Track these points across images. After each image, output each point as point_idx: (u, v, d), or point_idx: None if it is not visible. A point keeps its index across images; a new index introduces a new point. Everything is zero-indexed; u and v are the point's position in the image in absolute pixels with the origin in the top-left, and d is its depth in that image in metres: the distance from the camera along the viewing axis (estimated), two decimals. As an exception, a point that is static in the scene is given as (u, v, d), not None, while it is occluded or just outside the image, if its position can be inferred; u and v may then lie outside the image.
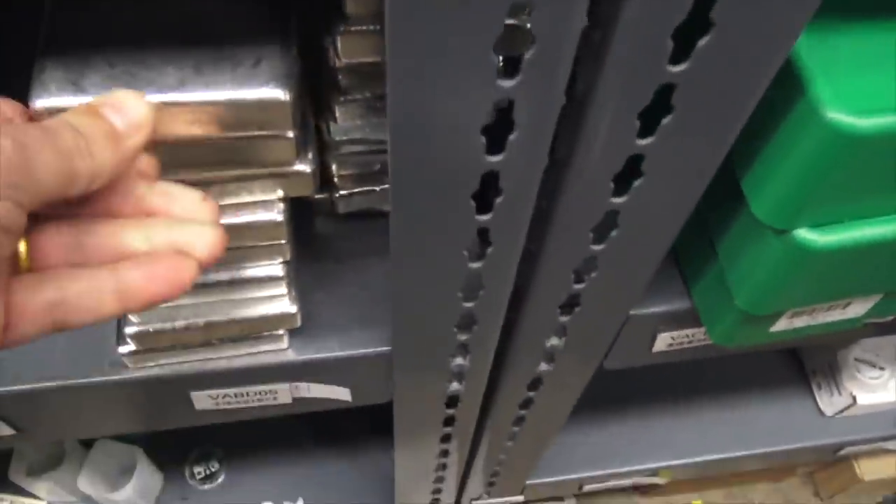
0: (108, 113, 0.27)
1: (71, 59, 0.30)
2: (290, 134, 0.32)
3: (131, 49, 0.30)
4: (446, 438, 0.61)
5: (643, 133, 0.29)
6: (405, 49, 0.23)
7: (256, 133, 0.31)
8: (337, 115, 0.37)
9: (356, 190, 0.44)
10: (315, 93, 0.38)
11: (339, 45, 0.33)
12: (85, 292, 0.27)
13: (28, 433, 0.47)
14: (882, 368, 0.86)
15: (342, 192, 0.44)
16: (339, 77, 0.35)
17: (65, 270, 0.28)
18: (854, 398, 0.86)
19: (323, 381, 0.46)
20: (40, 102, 0.29)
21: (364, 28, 0.32)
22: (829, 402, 0.91)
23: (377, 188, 0.44)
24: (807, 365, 0.94)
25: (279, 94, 0.30)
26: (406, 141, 0.27)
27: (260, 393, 0.46)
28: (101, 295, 0.28)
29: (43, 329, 0.27)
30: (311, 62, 0.36)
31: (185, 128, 0.31)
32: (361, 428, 0.86)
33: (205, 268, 0.30)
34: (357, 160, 0.42)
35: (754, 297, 0.38)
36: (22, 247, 0.27)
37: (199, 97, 0.30)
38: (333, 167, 0.42)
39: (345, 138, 0.39)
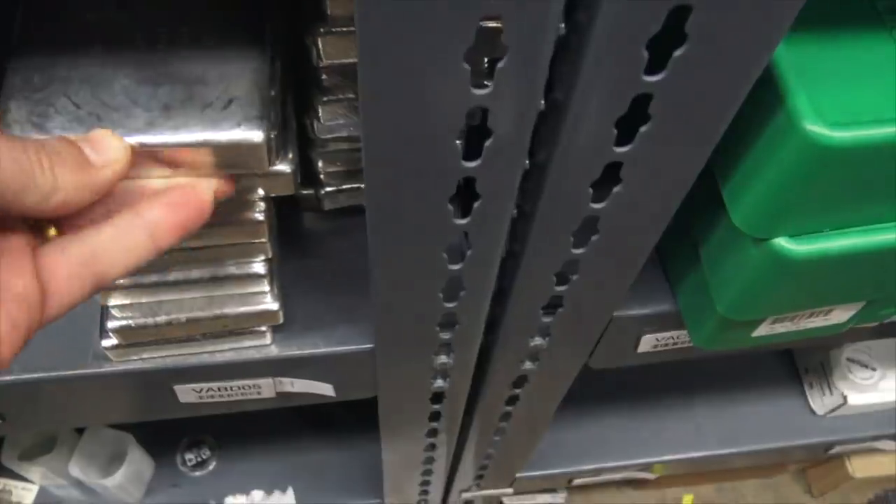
0: (83, 145, 0.27)
1: (35, 99, 0.29)
2: (266, 169, 0.32)
3: (97, 88, 0.30)
4: (433, 433, 0.61)
5: (621, 141, 0.29)
6: (376, 58, 0.23)
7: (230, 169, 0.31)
8: (320, 114, 0.37)
9: (342, 187, 0.44)
10: (297, 88, 0.38)
11: (321, 46, 0.33)
12: (113, 239, 0.28)
13: (13, 423, 0.48)
14: (874, 369, 0.86)
15: (328, 189, 0.44)
16: (322, 76, 0.35)
17: (89, 225, 0.28)
18: (845, 398, 0.86)
19: (306, 377, 0.46)
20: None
21: (346, 29, 0.32)
22: (820, 402, 0.91)
23: (363, 185, 0.44)
24: (799, 364, 0.94)
25: (253, 135, 0.30)
26: (381, 146, 0.27)
27: (243, 387, 0.46)
28: (131, 237, 0.28)
29: (82, 288, 0.27)
30: (293, 58, 0.36)
31: (155, 168, 0.30)
32: (352, 418, 0.87)
33: (218, 197, 0.31)
34: (343, 157, 0.41)
35: (734, 303, 0.38)
36: (52, 231, 0.28)
37: (168, 140, 0.29)
38: (319, 164, 0.42)
39: (329, 136, 0.38)
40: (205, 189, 0.30)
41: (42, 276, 0.26)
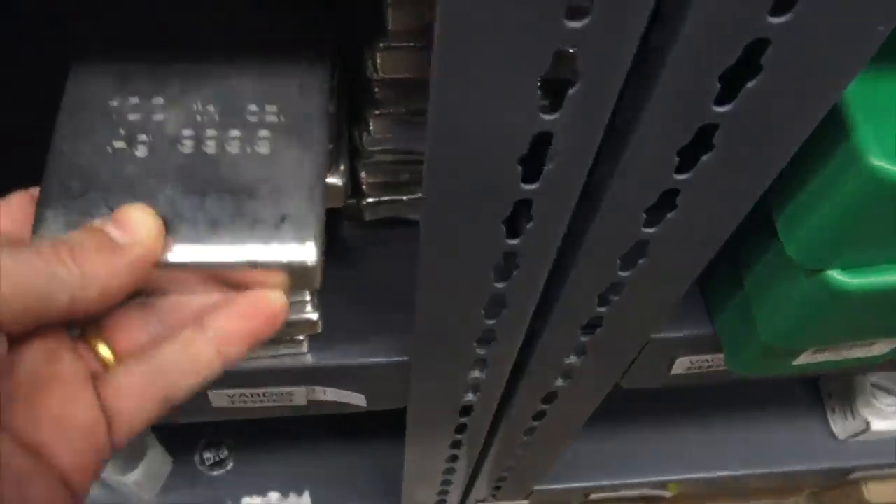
0: (107, 227, 0.26)
1: (73, 208, 0.28)
2: (316, 287, 0.30)
3: (140, 198, 0.28)
4: (457, 444, 0.61)
5: (680, 168, 0.29)
6: (450, 78, 0.23)
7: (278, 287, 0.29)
8: (371, 127, 0.37)
9: (383, 198, 0.44)
10: (350, 98, 0.38)
11: (378, 60, 0.33)
12: (178, 355, 0.26)
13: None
14: (898, 396, 0.86)
15: (369, 200, 0.44)
16: (376, 90, 0.35)
17: (150, 343, 0.27)
18: (868, 424, 0.85)
19: (340, 387, 0.46)
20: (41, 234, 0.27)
21: (404, 45, 0.32)
22: (842, 426, 0.90)
23: (405, 197, 0.44)
24: (822, 387, 0.93)
25: (306, 258, 0.28)
26: (443, 164, 0.27)
27: (277, 394, 0.46)
28: (197, 352, 0.26)
29: (150, 410, 0.26)
30: (347, 69, 0.36)
31: (200, 284, 0.28)
32: (371, 423, 0.86)
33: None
34: (387, 169, 0.41)
35: (780, 332, 0.37)
36: (105, 351, 0.27)
37: (216, 260, 0.27)
38: (363, 174, 0.42)
39: (377, 149, 0.38)
40: (275, 298, 0.28)
41: (106, 403, 0.25)
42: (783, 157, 0.28)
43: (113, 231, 0.25)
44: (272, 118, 0.30)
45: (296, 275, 0.28)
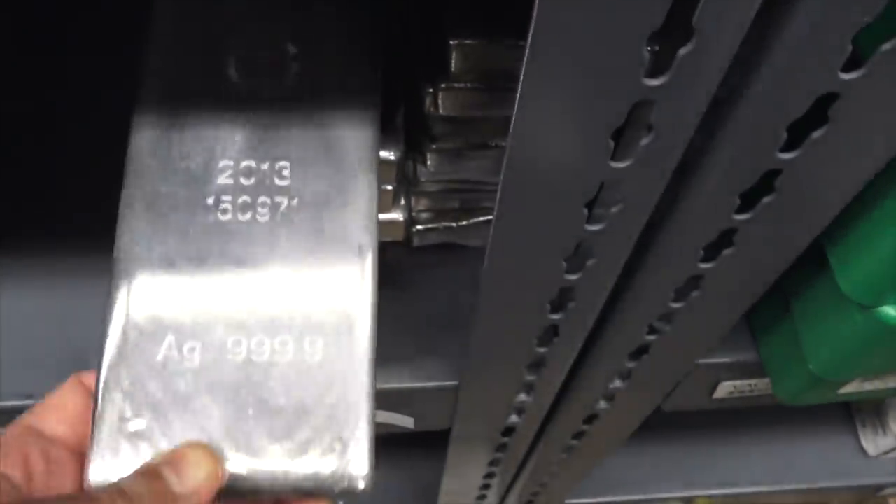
0: (167, 473, 0.25)
1: (127, 433, 0.27)
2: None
3: (192, 419, 0.27)
4: (495, 462, 0.62)
5: (739, 208, 0.30)
6: (531, 124, 0.24)
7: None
8: (428, 161, 0.37)
9: (433, 226, 0.44)
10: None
11: (440, 99, 0.34)
12: None
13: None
14: (931, 414, 0.85)
15: (419, 227, 0.44)
16: (435, 125, 0.36)
17: None
18: (900, 441, 0.85)
19: (389, 409, 0.47)
20: (94, 477, 0.27)
21: (466, 86, 0.33)
22: (873, 443, 0.90)
23: (454, 224, 0.45)
24: (853, 404, 0.93)
25: (358, 483, 0.28)
26: (513, 205, 0.28)
27: (327, 416, 0.47)
28: None
29: None
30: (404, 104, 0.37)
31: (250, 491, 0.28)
32: (407, 441, 0.87)
33: None
34: (439, 198, 0.42)
35: (830, 364, 0.38)
36: None
37: (267, 487, 0.27)
38: (412, 201, 0.43)
39: (432, 180, 0.39)
40: None
41: None
42: (842, 202, 0.29)
43: (171, 477, 0.25)
44: (319, 319, 0.30)
45: (344, 495, 0.28)
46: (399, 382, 0.45)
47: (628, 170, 0.26)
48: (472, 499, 0.73)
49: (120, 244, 0.29)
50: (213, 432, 0.27)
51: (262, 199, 0.30)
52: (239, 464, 0.27)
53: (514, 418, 0.50)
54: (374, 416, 0.29)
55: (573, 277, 0.33)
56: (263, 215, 0.30)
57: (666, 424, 0.90)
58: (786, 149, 0.26)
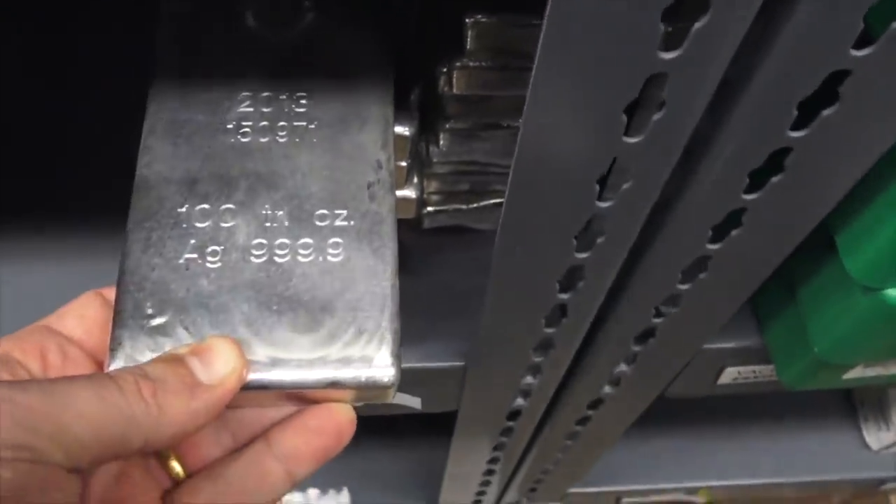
0: (191, 361, 0.25)
1: (149, 329, 0.27)
2: (390, 399, 0.29)
3: (216, 316, 0.27)
4: (500, 447, 0.62)
5: (748, 188, 0.30)
6: (544, 100, 0.24)
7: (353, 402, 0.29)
8: (441, 141, 0.38)
9: (443, 207, 0.45)
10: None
11: (455, 78, 0.34)
12: (245, 472, 0.26)
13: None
14: (934, 408, 0.86)
15: (429, 209, 0.45)
16: (448, 105, 0.36)
17: (219, 459, 0.27)
18: (902, 435, 0.86)
19: (399, 390, 0.47)
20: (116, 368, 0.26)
21: (481, 64, 0.33)
22: (875, 437, 0.90)
23: (464, 206, 0.45)
24: (856, 397, 0.94)
25: (384, 377, 0.28)
26: (526, 181, 0.28)
27: (335, 395, 0.47)
28: (264, 470, 0.26)
29: None
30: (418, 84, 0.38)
31: (273, 401, 0.28)
32: (412, 423, 0.88)
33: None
34: (450, 179, 0.43)
35: (835, 347, 0.38)
36: (176, 466, 0.27)
37: (293, 379, 0.27)
38: (424, 183, 0.43)
39: (445, 160, 0.40)
40: (343, 413, 0.27)
41: None
42: (851, 181, 0.29)
43: (196, 365, 0.25)
44: (342, 223, 0.30)
45: (371, 392, 0.28)
46: (407, 362, 0.45)
47: (640, 145, 0.26)
48: (475, 484, 0.74)
49: (142, 162, 0.30)
50: (237, 328, 0.27)
51: (281, 123, 0.31)
52: (263, 357, 0.27)
53: (519, 401, 0.51)
54: (398, 312, 0.29)
55: (583, 256, 0.33)
56: (283, 137, 0.31)
57: (668, 415, 0.91)
58: (796, 127, 0.27)
